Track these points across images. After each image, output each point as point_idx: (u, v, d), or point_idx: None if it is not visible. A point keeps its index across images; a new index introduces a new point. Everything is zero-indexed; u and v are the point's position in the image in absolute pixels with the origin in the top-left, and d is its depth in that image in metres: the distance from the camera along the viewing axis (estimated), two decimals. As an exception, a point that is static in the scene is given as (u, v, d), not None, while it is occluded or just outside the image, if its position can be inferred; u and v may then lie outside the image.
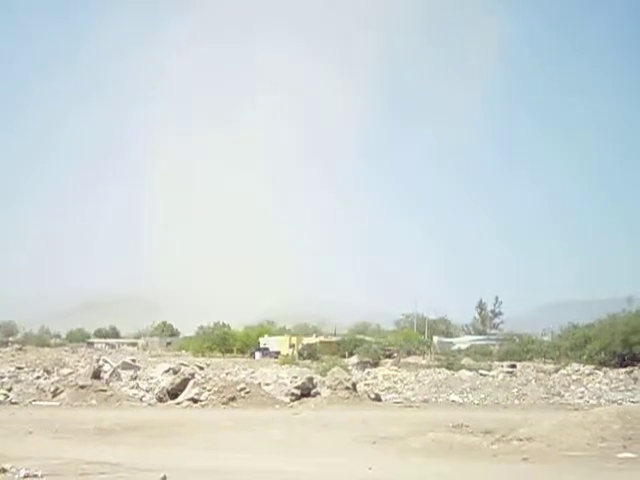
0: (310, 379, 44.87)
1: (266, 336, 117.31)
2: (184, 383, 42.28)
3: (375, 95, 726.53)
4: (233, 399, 39.62)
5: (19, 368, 49.71)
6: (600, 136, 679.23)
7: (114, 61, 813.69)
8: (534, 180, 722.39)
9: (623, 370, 56.94)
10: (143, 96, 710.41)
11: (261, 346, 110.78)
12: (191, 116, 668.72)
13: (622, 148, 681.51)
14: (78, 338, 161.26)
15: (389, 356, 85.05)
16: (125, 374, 48.02)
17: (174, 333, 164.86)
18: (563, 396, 49.15)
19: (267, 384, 43.78)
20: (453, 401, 47.26)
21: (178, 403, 40.46)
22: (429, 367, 63.15)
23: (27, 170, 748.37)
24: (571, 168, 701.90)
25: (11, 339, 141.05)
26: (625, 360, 64.96)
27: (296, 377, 45.02)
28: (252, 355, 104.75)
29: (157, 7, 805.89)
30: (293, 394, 42.55)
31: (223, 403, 39.23)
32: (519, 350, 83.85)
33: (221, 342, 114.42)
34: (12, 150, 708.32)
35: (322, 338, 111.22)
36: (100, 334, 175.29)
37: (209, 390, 40.37)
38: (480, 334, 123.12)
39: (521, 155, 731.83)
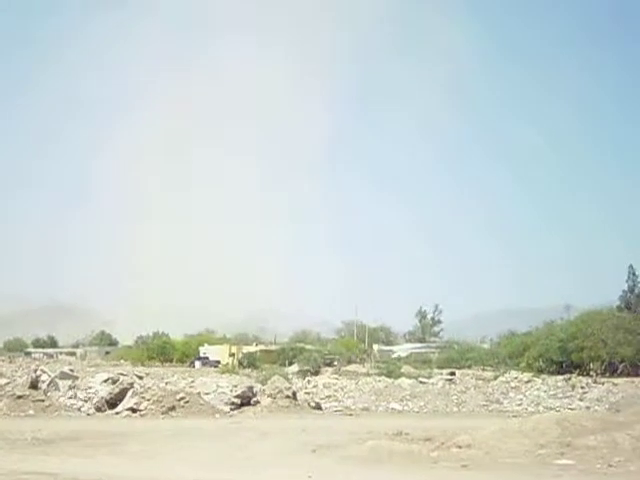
0: (250, 388, 44.77)
1: (206, 345, 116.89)
2: (123, 393, 41.94)
3: (346, 94, 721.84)
4: (173, 408, 39.38)
5: (-46, 378, 48.97)
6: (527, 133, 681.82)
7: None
8: (468, 185, 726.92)
9: (561, 377, 57.51)
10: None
11: (201, 355, 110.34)
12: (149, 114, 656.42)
13: (562, 153, 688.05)
14: (16, 348, 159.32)
15: (329, 364, 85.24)
16: (63, 384, 47.41)
17: (113, 342, 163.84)
18: (502, 403, 49.46)
19: (207, 393, 43.53)
20: (393, 409, 47.36)
21: (117, 413, 40.13)
22: (369, 375, 63.25)
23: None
24: (505, 175, 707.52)
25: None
26: (563, 367, 65.78)
27: (236, 386, 44.86)
28: (192, 364, 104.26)
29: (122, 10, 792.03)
30: (233, 403, 42.42)
31: (162, 413, 38.97)
32: (458, 358, 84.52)
33: (160, 351, 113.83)
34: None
35: (262, 347, 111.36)
36: (38, 344, 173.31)
37: (148, 400, 40.08)
38: (420, 342, 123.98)
39: (459, 166, 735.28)
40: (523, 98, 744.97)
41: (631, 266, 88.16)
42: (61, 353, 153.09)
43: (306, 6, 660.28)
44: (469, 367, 77.57)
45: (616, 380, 57.88)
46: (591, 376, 61.77)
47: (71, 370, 55.37)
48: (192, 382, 50.64)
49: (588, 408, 46.08)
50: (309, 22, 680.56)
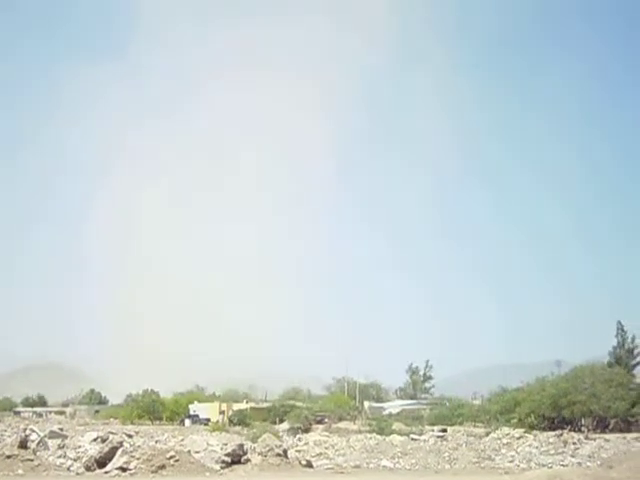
0: (241, 446, 44.50)
1: (196, 402, 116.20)
2: (112, 452, 41.68)
3: (355, 136, 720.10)
4: (163, 467, 39.13)
5: (-57, 438, 48.72)
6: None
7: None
8: (463, 241, 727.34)
9: (553, 433, 57.41)
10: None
11: (191, 413, 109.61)
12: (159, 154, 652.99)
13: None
14: (4, 407, 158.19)
15: (320, 422, 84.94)
16: (52, 443, 47.16)
17: (102, 401, 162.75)
18: (494, 460, 49.29)
19: (197, 452, 43.28)
20: (384, 466, 47.12)
21: (106, 472, 39.84)
22: (360, 432, 63.11)
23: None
24: (499, 229, 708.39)
25: None
26: (554, 423, 65.69)
27: (226, 444, 44.60)
28: (182, 422, 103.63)
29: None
30: (224, 461, 42.14)
31: (152, 472, 38.71)
32: (450, 414, 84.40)
33: (150, 410, 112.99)
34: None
35: (253, 404, 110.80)
36: (27, 403, 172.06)
37: (138, 458, 39.84)
38: (411, 398, 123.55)
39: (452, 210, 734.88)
40: (526, 149, 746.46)
41: (619, 322, 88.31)
42: (50, 412, 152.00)
43: (312, 43, 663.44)
44: (461, 424, 77.46)
45: (607, 436, 57.86)
46: (583, 432, 61.79)
47: (60, 429, 55.11)
48: (182, 440, 50.44)
49: (580, 464, 46.02)
50: (315, 60, 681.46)
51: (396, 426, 69.34)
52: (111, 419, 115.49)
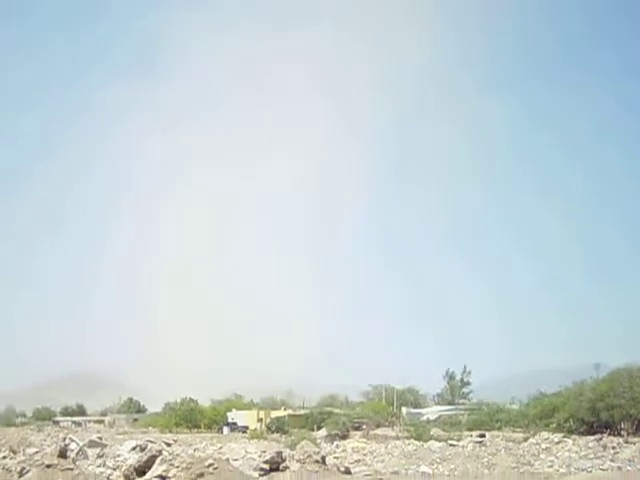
0: (279, 453, 44.51)
1: (234, 410, 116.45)
2: (151, 460, 41.82)
3: (386, 159, 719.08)
4: (201, 475, 39.18)
5: (-16, 448, 49.13)
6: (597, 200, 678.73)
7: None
8: (519, 237, 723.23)
9: (592, 437, 56.93)
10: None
11: (229, 421, 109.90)
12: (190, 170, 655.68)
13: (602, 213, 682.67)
14: (44, 416, 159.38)
15: (358, 428, 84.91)
16: (92, 452, 47.46)
17: (141, 410, 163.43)
18: (533, 465, 49.01)
19: (235, 459, 43.37)
20: (423, 472, 46.99)
21: (146, 480, 40.03)
22: (398, 438, 63.03)
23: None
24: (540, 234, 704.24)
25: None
26: (593, 427, 65.15)
27: (265, 451, 44.65)
28: (220, 430, 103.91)
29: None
30: (262, 469, 42.18)
31: (191, 480, 38.84)
32: (488, 419, 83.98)
33: (188, 418, 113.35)
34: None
35: (290, 411, 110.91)
36: (66, 412, 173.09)
37: (177, 467, 39.92)
38: (449, 404, 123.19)
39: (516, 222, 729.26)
40: (542, 175, 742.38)
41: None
42: (89, 421, 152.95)
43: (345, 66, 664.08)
44: (499, 429, 77.06)
45: (647, 439, 57.34)
46: (622, 436, 61.26)
47: (99, 438, 55.37)
48: (220, 448, 50.61)
49: (620, 468, 45.66)
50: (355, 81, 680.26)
51: (434, 432, 69.19)
52: (149, 428, 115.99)
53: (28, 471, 40.29)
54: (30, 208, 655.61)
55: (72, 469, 40.87)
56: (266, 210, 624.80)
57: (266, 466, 42.50)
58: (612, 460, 49.20)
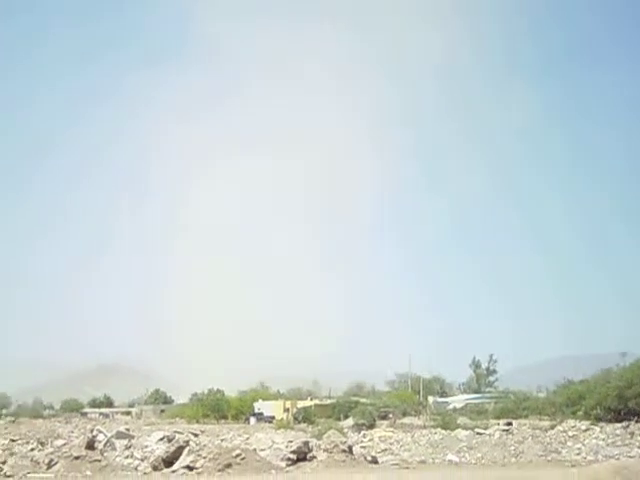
0: (306, 443, 44.55)
1: (260, 401, 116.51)
2: (179, 451, 42.00)
3: (400, 161, 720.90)
4: (229, 466, 39.33)
5: (13, 440, 49.39)
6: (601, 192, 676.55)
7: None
8: (526, 236, 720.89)
9: (619, 425, 56.76)
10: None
11: (255, 411, 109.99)
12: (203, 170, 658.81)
13: (618, 204, 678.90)
14: (72, 408, 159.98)
15: (384, 417, 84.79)
16: (119, 443, 47.64)
17: (168, 401, 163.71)
18: (560, 453, 48.96)
19: (262, 449, 43.44)
20: (450, 461, 46.98)
21: (174, 471, 40.15)
22: (425, 427, 62.94)
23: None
24: (563, 222, 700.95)
25: (4, 411, 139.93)
26: (621, 415, 64.80)
27: (291, 441, 44.71)
28: (247, 421, 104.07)
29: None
30: (289, 459, 42.23)
31: (219, 470, 38.92)
32: (514, 407, 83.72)
33: (215, 408, 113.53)
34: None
35: (317, 401, 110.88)
36: (94, 404, 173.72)
37: (204, 457, 40.09)
38: (475, 392, 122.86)
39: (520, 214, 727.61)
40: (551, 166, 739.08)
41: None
42: (117, 413, 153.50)
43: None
44: (526, 417, 76.82)
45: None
46: (650, 423, 60.98)
47: (127, 429, 55.62)
48: (247, 439, 50.71)
49: (648, 456, 45.56)
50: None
51: (461, 420, 69.08)
52: (177, 419, 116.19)
53: (56, 463, 40.59)
54: (52, 191, 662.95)
55: (100, 460, 41.15)
56: (288, 195, 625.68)
57: (293, 456, 42.54)
58: (640, 447, 49.12)
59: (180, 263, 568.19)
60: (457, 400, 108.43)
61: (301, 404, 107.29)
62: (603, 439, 51.87)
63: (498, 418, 74.63)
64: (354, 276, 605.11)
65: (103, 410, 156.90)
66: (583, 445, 50.59)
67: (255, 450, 43.13)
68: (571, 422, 59.11)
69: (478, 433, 54.17)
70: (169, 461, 41.72)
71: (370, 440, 55.84)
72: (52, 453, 42.49)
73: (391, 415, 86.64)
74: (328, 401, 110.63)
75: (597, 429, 55.34)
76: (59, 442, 47.78)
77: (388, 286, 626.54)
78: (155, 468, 41.71)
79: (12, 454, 43.75)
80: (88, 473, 39.37)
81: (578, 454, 48.56)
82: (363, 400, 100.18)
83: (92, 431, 49.53)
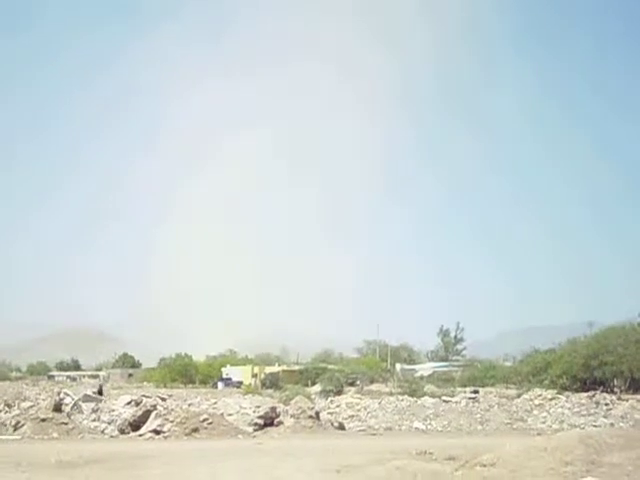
0: (273, 408, 44.67)
1: (228, 366, 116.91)
2: (146, 415, 41.95)
3: (400, 134, 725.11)
4: (196, 430, 39.35)
5: (-21, 402, 49.15)
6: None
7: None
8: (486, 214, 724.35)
9: (585, 394, 57.14)
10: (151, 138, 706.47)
11: (223, 376, 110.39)
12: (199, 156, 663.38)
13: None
14: (39, 371, 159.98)
15: (352, 384, 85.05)
16: (86, 407, 47.50)
17: (135, 365, 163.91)
18: (526, 421, 49.31)
19: (230, 414, 43.50)
20: (416, 428, 47.20)
21: (140, 435, 40.12)
22: (392, 394, 63.05)
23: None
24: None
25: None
26: (586, 384, 65.43)
27: (259, 407, 44.80)
28: (214, 385, 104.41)
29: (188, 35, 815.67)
30: (256, 424, 42.35)
31: (186, 434, 38.93)
32: (481, 376, 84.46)
33: (183, 373, 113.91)
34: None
35: (285, 367, 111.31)
36: (61, 367, 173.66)
37: (172, 421, 40.07)
38: (443, 360, 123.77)
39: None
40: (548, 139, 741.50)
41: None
42: (84, 376, 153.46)
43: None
44: (492, 385, 77.50)
45: (640, 396, 57.57)
46: (615, 393, 61.56)
47: (94, 392, 55.47)
48: (215, 403, 50.63)
49: (612, 425, 45.97)
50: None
51: (428, 388, 69.35)
52: (144, 383, 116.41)
53: (23, 425, 40.47)
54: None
55: (67, 423, 41.07)
56: (296, 170, 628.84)
57: (260, 421, 42.68)
58: (605, 417, 49.53)
59: (170, 233, 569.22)
60: (424, 368, 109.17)
61: (269, 370, 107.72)
62: (569, 408, 52.18)
63: (465, 386, 75.18)
64: (321, 246, 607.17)
65: (70, 373, 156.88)
66: (549, 414, 50.93)
67: (222, 415, 43.17)
68: (537, 391, 59.40)
69: (445, 401, 54.33)
70: (136, 425, 41.67)
71: (337, 406, 55.92)
72: (19, 415, 42.31)
73: (358, 382, 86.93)
74: (296, 367, 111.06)
75: (563, 398, 55.66)
76: (26, 404, 47.52)
77: (358, 257, 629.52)
78: (122, 432, 41.67)
79: (-22, 416, 43.54)
80: (55, 435, 39.27)
81: (544, 422, 48.93)
82: (331, 367, 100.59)
83: (59, 394, 49.30)
